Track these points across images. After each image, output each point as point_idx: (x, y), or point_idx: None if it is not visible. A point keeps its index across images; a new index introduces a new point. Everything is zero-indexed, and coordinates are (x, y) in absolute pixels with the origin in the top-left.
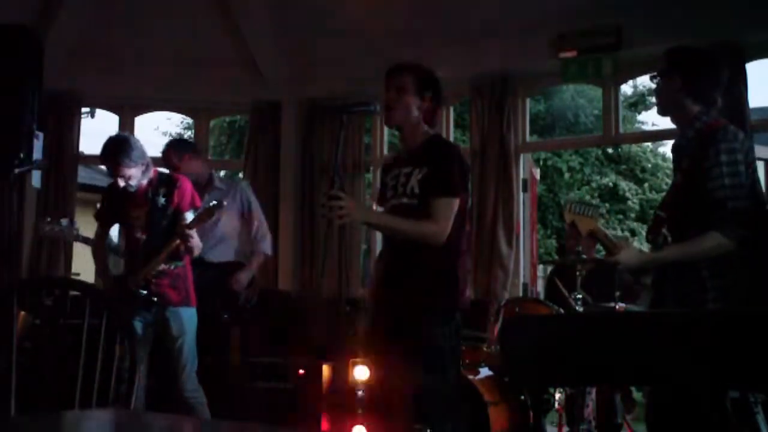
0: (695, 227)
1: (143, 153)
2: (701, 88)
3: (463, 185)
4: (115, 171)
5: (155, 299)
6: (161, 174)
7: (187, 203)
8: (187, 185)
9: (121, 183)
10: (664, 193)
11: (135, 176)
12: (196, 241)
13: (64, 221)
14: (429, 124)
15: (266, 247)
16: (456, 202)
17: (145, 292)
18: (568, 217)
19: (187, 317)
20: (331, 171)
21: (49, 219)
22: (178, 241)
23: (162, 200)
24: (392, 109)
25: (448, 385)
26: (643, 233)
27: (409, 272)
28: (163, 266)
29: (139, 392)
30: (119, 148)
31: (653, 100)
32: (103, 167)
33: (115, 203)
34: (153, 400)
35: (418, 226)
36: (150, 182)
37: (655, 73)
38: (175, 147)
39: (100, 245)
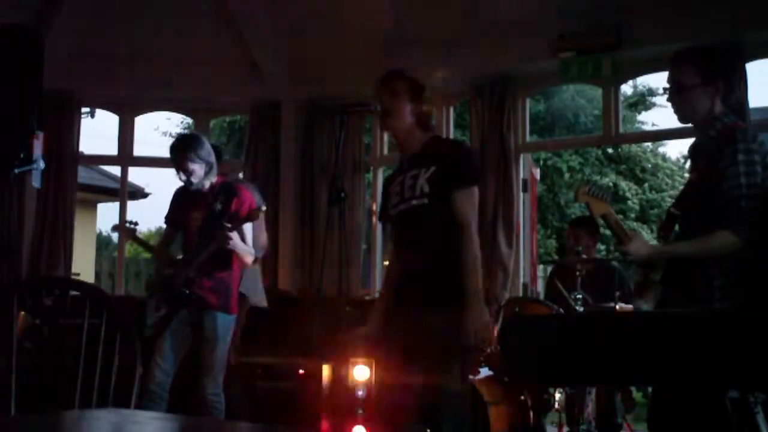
0: (708, 225)
1: (210, 154)
2: (733, 91)
3: (476, 175)
4: (179, 163)
5: (193, 299)
6: (224, 182)
7: (245, 213)
8: (246, 196)
9: (183, 177)
10: (664, 193)
11: (197, 173)
12: (237, 243)
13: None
14: (425, 131)
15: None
16: (475, 190)
17: (187, 291)
18: (582, 198)
19: (223, 323)
20: (331, 171)
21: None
22: (218, 244)
23: (219, 206)
24: (388, 113)
25: (461, 385)
26: (644, 233)
27: (429, 274)
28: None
29: (159, 389)
30: (189, 142)
31: (653, 100)
32: (103, 167)
33: (179, 206)
34: (176, 399)
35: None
36: (212, 187)
37: (691, 80)
38: None
39: (162, 244)
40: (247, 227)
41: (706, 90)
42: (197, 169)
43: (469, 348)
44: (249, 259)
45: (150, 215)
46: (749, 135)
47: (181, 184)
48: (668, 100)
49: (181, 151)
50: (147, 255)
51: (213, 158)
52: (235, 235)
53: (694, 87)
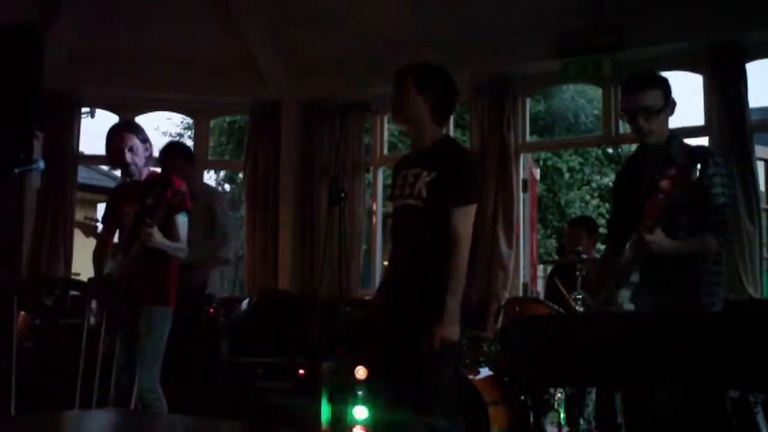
0: (695, 227)
1: (148, 140)
2: None
3: (477, 192)
4: (119, 140)
5: (131, 297)
6: (157, 174)
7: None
8: (179, 186)
9: (128, 157)
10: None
11: (138, 152)
12: (160, 241)
13: None
14: (440, 124)
15: (224, 251)
16: (473, 208)
17: (123, 287)
18: None
19: (159, 316)
20: (331, 171)
21: None
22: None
23: (150, 201)
24: (396, 111)
25: (448, 384)
26: None
27: (418, 273)
28: (138, 263)
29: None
30: (130, 123)
31: None
32: (103, 167)
33: (113, 204)
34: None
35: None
36: (145, 180)
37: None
38: (169, 149)
39: (99, 246)
40: (181, 220)
41: (667, 109)
42: (139, 146)
43: (454, 344)
44: (181, 255)
45: None
46: (717, 152)
47: (115, 183)
48: (639, 123)
49: (122, 130)
50: None
51: (151, 147)
52: (157, 232)
53: (662, 109)
